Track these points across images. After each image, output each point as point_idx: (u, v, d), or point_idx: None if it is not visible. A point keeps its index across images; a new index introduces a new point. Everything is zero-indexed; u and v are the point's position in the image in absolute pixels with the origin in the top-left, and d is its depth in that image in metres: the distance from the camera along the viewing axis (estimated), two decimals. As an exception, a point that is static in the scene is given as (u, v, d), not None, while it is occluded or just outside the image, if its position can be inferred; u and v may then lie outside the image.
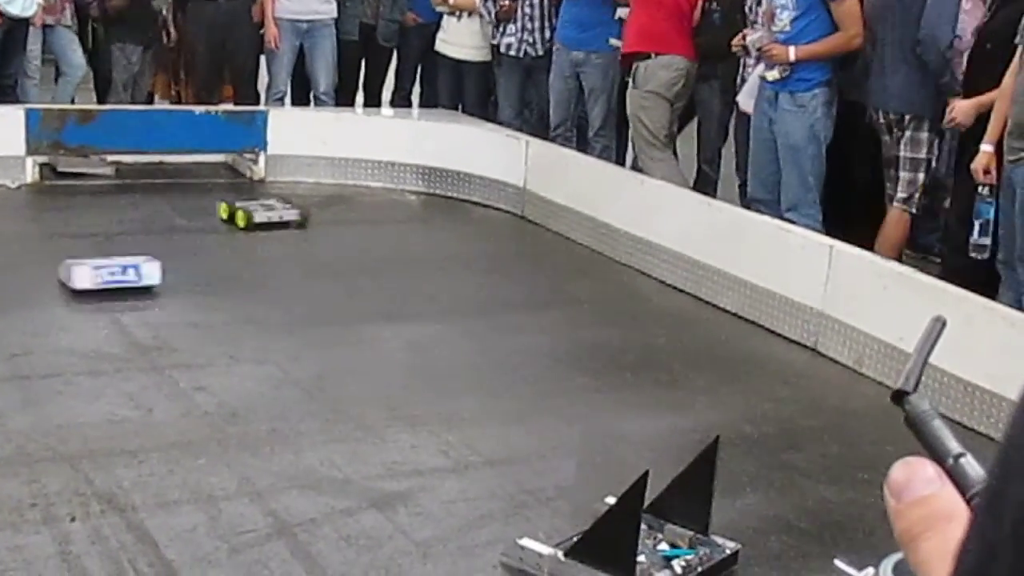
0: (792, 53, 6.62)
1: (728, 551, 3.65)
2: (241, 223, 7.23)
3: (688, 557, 3.59)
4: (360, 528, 3.78)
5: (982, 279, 5.65)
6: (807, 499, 4.25)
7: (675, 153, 8.20)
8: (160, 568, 3.46)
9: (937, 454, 0.98)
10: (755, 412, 4.99)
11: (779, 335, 5.93)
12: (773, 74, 6.74)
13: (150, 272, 5.86)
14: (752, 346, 5.87)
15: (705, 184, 8.12)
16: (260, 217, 7.25)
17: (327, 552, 3.63)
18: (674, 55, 7.69)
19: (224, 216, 7.34)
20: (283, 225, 7.30)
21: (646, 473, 3.36)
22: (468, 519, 3.90)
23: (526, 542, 3.58)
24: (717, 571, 3.62)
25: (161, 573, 3.44)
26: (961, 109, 6.18)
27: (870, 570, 1.20)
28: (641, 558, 3.52)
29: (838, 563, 1.41)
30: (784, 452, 4.61)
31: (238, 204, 7.35)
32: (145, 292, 5.81)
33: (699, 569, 3.56)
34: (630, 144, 8.44)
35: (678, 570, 3.53)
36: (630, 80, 7.81)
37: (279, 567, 3.52)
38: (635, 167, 7.97)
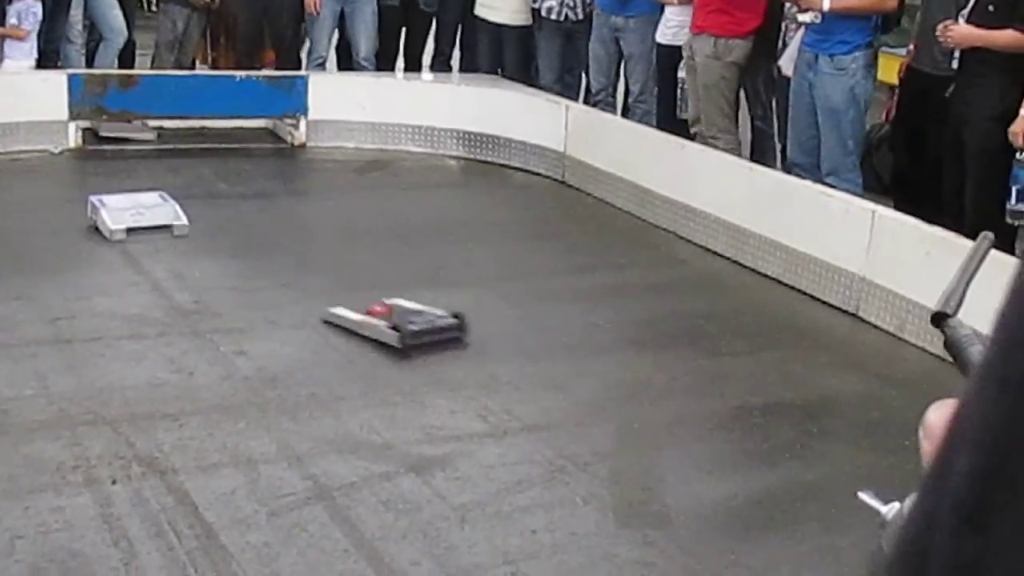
0: (826, 3, 6.56)
1: None
2: None
3: None
4: (399, 492, 3.79)
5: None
6: (847, 465, 4.22)
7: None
8: (200, 530, 3.49)
9: None
10: (795, 377, 4.97)
11: (820, 300, 5.89)
12: (807, 17, 6.68)
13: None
14: (793, 311, 5.84)
15: (764, 139, 7.98)
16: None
17: (365, 516, 3.64)
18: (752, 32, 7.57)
19: None
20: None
21: None
22: (506, 484, 3.90)
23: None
24: None
25: (201, 535, 3.47)
26: (960, 32, 6.02)
27: (896, 504, 1.17)
28: None
29: (862, 495, 1.37)
30: (824, 418, 4.59)
31: None
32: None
33: None
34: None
35: None
36: (706, 51, 7.51)
37: (318, 530, 3.54)
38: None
